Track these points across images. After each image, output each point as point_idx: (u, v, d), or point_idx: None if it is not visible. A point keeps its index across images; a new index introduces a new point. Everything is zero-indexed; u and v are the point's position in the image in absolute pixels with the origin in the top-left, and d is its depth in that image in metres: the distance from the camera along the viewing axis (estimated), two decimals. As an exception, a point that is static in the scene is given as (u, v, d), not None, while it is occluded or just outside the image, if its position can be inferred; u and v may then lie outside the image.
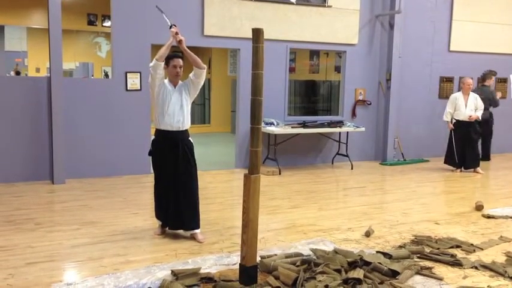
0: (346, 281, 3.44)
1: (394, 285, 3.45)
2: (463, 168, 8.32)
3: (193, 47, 6.24)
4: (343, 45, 8.70)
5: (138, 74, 7.12)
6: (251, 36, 3.31)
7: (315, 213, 5.55)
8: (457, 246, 4.41)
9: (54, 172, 6.64)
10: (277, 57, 8.07)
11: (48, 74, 7.18)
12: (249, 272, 3.40)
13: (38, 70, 10.64)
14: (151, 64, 4.29)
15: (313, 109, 11.61)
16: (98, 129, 7.02)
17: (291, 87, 10.30)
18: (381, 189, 7.13)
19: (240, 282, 3.41)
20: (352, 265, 3.72)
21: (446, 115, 8.23)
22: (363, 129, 8.57)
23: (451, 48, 9.58)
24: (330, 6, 8.39)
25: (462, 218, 5.44)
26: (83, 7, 9.75)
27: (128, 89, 7.13)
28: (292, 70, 10.68)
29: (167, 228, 4.61)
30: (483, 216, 5.51)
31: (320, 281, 3.40)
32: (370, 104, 9.08)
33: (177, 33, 4.32)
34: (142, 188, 6.50)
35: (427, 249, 4.29)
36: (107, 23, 9.31)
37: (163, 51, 4.26)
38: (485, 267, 3.90)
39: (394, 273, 3.61)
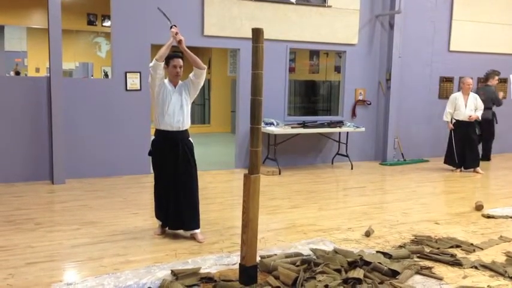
0: (346, 281, 3.44)
1: (394, 285, 3.45)
2: (463, 168, 8.32)
3: (193, 47, 6.24)
4: (343, 45, 8.70)
5: (138, 74, 7.12)
6: (251, 36, 3.31)
7: (315, 213, 5.55)
8: (457, 246, 4.41)
9: (54, 172, 6.64)
10: (277, 57, 8.07)
11: (48, 74, 7.19)
12: (249, 271, 3.40)
13: (37, 70, 10.65)
14: (151, 64, 4.29)
15: (313, 109, 11.61)
16: (98, 129, 7.02)
17: (291, 87, 10.31)
18: (380, 189, 7.13)
19: (240, 282, 3.41)
20: (352, 265, 3.72)
21: (446, 115, 8.23)
22: (363, 129, 8.57)
23: (451, 48, 9.58)
24: (330, 6, 8.40)
25: (462, 218, 5.44)
26: (82, 7, 9.76)
27: (128, 89, 7.13)
28: (292, 70, 10.68)
29: (167, 228, 4.61)
30: (483, 216, 5.51)
31: (320, 280, 3.40)
32: (370, 104, 9.09)
33: (177, 33, 4.33)
34: (142, 188, 6.50)
35: (427, 249, 4.29)
36: (107, 23, 9.32)
37: (163, 52, 4.26)
38: (485, 267, 3.90)
39: (394, 273, 3.61)
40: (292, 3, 8.07)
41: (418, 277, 3.67)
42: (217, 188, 6.84)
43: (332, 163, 8.76)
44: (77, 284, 3.44)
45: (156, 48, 5.03)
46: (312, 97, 11.78)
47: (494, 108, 9.08)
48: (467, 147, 8.18)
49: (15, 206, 5.49)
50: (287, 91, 8.40)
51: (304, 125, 8.07)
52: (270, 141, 8.03)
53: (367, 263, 3.73)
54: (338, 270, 3.61)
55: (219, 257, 4.00)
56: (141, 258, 3.99)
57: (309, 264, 3.70)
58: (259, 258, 3.72)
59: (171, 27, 4.38)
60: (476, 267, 3.90)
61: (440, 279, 3.66)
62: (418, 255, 4.12)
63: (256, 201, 3.37)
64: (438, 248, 4.32)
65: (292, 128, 7.96)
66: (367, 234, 4.70)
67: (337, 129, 8.34)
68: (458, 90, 8.62)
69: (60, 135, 6.64)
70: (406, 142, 9.31)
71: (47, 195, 6.09)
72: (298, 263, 3.72)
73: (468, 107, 8.10)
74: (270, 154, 8.09)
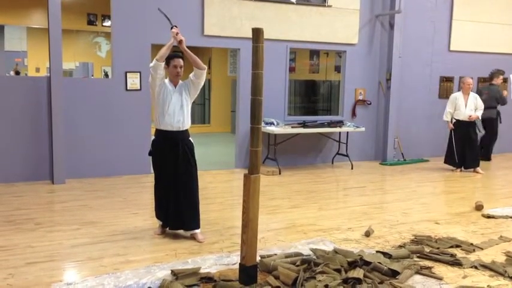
0: (346, 281, 3.44)
1: (394, 284, 3.45)
2: (463, 168, 8.32)
3: (193, 46, 6.25)
4: (343, 45, 8.70)
5: (138, 73, 7.12)
6: (251, 36, 3.31)
7: (315, 213, 5.55)
8: (457, 246, 4.42)
9: (54, 172, 6.64)
10: (277, 57, 8.07)
11: (48, 74, 7.19)
12: (248, 271, 3.40)
13: (37, 70, 10.65)
14: (151, 64, 4.29)
15: (313, 109, 11.62)
16: (98, 129, 7.02)
17: (291, 87, 10.31)
18: (380, 189, 7.13)
19: (239, 282, 3.41)
20: (352, 265, 3.72)
21: (446, 115, 8.23)
22: (363, 129, 8.57)
23: (451, 48, 9.58)
24: (330, 6, 8.40)
25: (462, 218, 5.44)
26: (82, 7, 9.76)
27: (128, 88, 7.13)
28: (292, 70, 10.68)
29: (167, 228, 4.61)
30: (483, 216, 5.51)
31: (320, 280, 3.40)
32: (370, 104, 9.09)
33: (177, 34, 4.33)
34: (143, 188, 6.51)
35: (427, 249, 4.29)
36: (107, 23, 9.31)
37: (164, 52, 4.26)
38: (485, 266, 3.90)
39: (394, 273, 3.61)
40: (292, 3, 8.07)
41: (418, 277, 3.67)
42: (217, 188, 6.84)
43: (332, 163, 8.76)
44: (77, 284, 3.44)
45: (156, 48, 5.03)
46: (312, 97, 11.79)
47: (499, 108, 9.07)
48: (467, 147, 8.17)
49: (15, 206, 5.50)
50: (287, 91, 8.40)
51: (304, 124, 8.07)
52: (270, 141, 8.03)
53: (367, 263, 3.73)
54: (338, 270, 3.61)
55: (219, 257, 4.00)
56: (141, 258, 3.99)
57: (309, 264, 3.70)
58: (259, 258, 3.72)
59: (171, 27, 4.38)
60: (476, 267, 3.90)
61: (440, 279, 3.66)
62: (418, 255, 4.12)
63: (256, 201, 3.38)
64: (438, 248, 4.32)
65: (292, 127, 7.96)
66: (367, 234, 4.70)
67: (337, 129, 8.34)
68: (459, 90, 8.62)
69: (60, 135, 6.65)
70: (406, 142, 9.31)
71: (47, 195, 6.09)
72: (298, 263, 3.72)
73: (468, 106, 8.10)
74: (270, 154, 8.09)
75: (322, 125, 8.27)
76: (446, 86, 9.64)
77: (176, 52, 4.54)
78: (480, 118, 8.32)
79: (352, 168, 8.38)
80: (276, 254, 3.98)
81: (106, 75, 10.74)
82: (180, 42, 4.32)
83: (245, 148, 7.88)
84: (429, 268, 3.85)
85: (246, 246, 3.38)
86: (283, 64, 8.22)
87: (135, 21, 7.06)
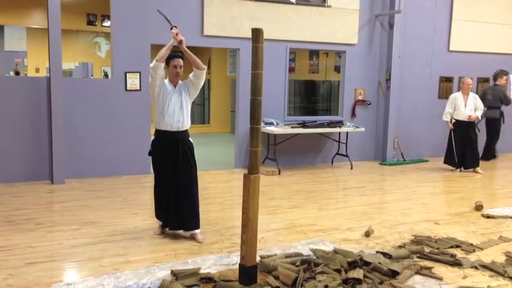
0: (346, 281, 3.44)
1: (393, 285, 3.45)
2: (462, 168, 8.32)
3: (193, 47, 6.25)
4: (343, 45, 8.70)
5: (138, 74, 7.12)
6: (251, 36, 3.31)
7: (314, 213, 5.56)
8: (457, 246, 4.42)
9: (54, 172, 6.64)
10: (277, 57, 8.07)
11: (48, 74, 7.19)
12: (248, 272, 3.40)
13: (37, 70, 10.65)
14: (151, 65, 4.29)
15: (313, 109, 11.62)
16: (98, 129, 7.02)
17: (291, 87, 10.31)
18: (380, 189, 7.13)
19: (239, 282, 3.41)
20: (352, 265, 3.72)
21: (446, 115, 8.24)
22: (363, 129, 8.57)
23: (451, 48, 9.58)
24: (330, 6, 8.40)
25: (462, 218, 5.44)
26: (82, 7, 9.76)
27: (128, 89, 7.13)
28: (292, 70, 10.68)
29: (167, 228, 4.61)
30: (483, 216, 5.51)
31: (320, 281, 3.40)
32: (370, 104, 9.09)
33: (177, 34, 4.33)
34: (142, 188, 6.51)
35: (427, 249, 4.29)
36: (107, 23, 9.32)
37: (164, 52, 4.26)
38: (485, 267, 3.91)
39: (393, 273, 3.61)
40: (292, 3, 8.07)
41: (417, 277, 3.67)
42: (217, 188, 6.85)
43: (332, 163, 8.76)
44: (77, 284, 3.44)
45: (156, 48, 5.03)
46: (312, 97, 11.79)
47: (503, 108, 9.07)
48: (467, 147, 8.18)
49: (15, 206, 5.50)
50: (287, 91, 8.40)
51: (304, 125, 8.07)
52: (269, 141, 8.03)
53: (367, 263, 3.73)
54: (338, 271, 3.61)
55: (218, 257, 4.00)
56: (141, 258, 3.99)
57: (308, 264, 3.70)
58: (259, 258, 3.72)
59: (171, 28, 4.39)
60: (476, 267, 3.90)
61: (440, 279, 3.66)
62: (417, 255, 4.12)
63: (256, 201, 3.38)
64: (438, 248, 4.32)
65: (292, 128, 7.96)
66: (367, 234, 4.70)
67: (337, 129, 8.34)
68: (458, 90, 8.63)
69: (60, 135, 6.65)
70: (405, 142, 9.31)
71: (47, 195, 6.09)
72: (298, 263, 3.72)
73: (468, 107, 8.10)
74: (270, 154, 8.09)
75: (321, 125, 8.27)
76: (446, 86, 9.64)
77: (176, 52, 4.54)
78: (480, 118, 8.32)
79: (351, 169, 8.38)
80: (275, 254, 3.98)
81: (106, 75, 10.74)
82: (180, 42, 4.32)
83: (245, 148, 7.88)
84: (429, 268, 3.85)
85: (245, 247, 3.38)
86: (283, 64, 8.22)
87: (134, 21, 7.06)
